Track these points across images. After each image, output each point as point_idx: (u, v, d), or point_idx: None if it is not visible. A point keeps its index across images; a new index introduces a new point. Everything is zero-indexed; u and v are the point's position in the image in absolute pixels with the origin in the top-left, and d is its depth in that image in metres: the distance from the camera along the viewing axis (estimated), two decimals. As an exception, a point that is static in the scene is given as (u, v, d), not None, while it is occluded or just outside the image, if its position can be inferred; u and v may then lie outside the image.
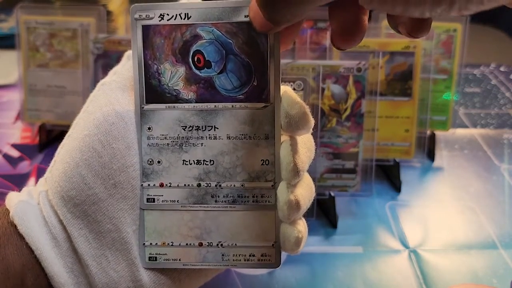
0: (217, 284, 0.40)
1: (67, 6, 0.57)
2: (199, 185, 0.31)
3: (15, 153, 0.57)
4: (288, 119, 0.30)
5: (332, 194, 0.47)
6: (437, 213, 0.49)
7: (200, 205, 0.31)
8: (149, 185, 0.31)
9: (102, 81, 0.32)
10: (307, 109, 0.30)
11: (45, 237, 0.29)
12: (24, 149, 0.57)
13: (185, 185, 0.31)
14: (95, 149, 0.29)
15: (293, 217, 0.30)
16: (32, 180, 0.52)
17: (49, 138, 0.57)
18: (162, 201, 0.31)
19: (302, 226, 0.30)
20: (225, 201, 0.31)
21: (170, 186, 0.31)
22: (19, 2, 0.57)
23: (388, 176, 0.53)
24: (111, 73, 0.33)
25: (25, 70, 0.56)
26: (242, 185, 0.31)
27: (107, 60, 0.51)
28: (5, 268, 0.28)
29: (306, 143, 0.32)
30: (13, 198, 0.31)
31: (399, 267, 0.42)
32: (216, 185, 0.31)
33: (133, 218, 0.30)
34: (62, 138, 0.32)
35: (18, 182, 0.52)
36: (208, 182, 0.31)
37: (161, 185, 0.31)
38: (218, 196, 0.31)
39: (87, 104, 0.32)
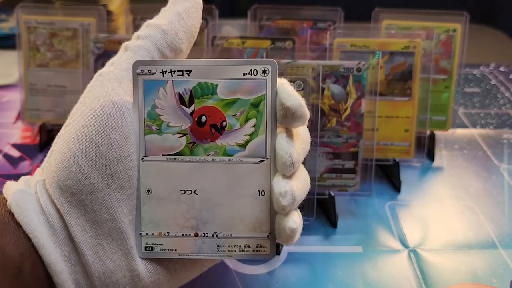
0: (217, 284, 0.40)
1: (68, 6, 0.57)
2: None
3: (15, 153, 0.57)
4: (284, 111, 0.30)
5: (332, 193, 0.47)
6: (437, 212, 0.49)
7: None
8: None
9: (99, 72, 0.32)
10: (303, 101, 0.30)
11: (43, 226, 0.29)
12: (25, 149, 0.57)
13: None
14: (92, 139, 0.30)
15: (288, 208, 0.30)
16: (32, 180, 0.52)
17: (50, 137, 0.57)
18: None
19: (297, 216, 0.31)
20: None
21: None
22: (19, 2, 0.57)
23: (388, 176, 0.54)
24: (108, 64, 0.33)
25: (25, 70, 0.56)
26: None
27: (107, 59, 0.50)
28: (3, 257, 0.28)
29: (301, 135, 0.32)
30: (10, 187, 0.31)
31: (398, 267, 0.43)
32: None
33: (130, 208, 0.31)
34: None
35: (19, 181, 0.52)
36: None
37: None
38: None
39: (84, 94, 0.32)
